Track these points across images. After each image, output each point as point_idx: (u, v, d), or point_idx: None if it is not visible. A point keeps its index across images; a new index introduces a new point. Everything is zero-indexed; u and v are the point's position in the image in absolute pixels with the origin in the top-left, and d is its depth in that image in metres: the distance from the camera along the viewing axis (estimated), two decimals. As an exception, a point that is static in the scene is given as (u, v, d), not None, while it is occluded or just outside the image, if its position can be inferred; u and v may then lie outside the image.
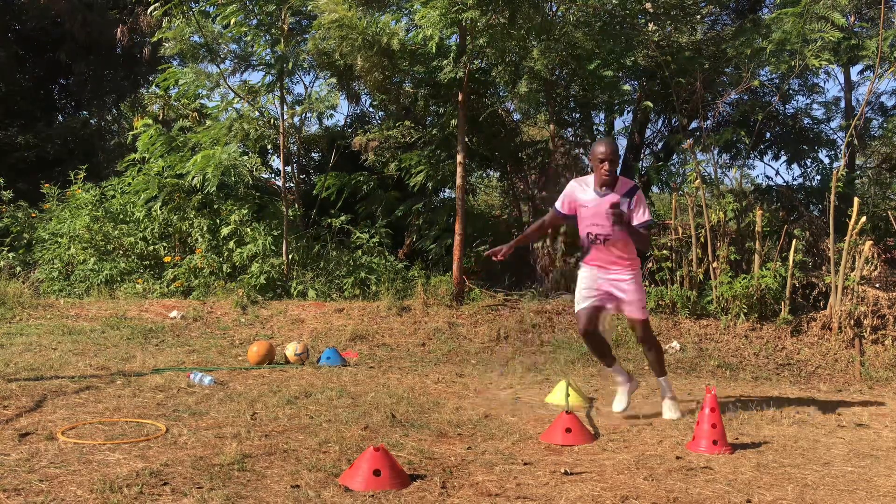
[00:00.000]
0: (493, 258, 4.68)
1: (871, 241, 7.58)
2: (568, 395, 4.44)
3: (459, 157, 8.55)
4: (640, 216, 4.39)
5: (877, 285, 7.62)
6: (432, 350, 7.14)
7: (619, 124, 11.05)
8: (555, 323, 7.97)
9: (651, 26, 9.40)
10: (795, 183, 10.47)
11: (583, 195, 4.50)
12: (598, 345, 4.62)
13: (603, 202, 4.36)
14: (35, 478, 3.00)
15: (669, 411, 4.56)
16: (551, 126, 9.61)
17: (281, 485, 3.04)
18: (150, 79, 15.04)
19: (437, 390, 5.29)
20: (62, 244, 9.73)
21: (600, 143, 4.42)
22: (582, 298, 4.54)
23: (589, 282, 4.56)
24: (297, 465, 3.31)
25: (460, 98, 8.55)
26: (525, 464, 3.47)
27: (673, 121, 10.86)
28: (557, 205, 4.63)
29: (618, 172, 4.46)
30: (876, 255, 7.64)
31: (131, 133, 10.74)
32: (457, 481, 3.17)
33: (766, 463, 3.60)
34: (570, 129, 10.51)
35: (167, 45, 9.38)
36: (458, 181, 8.59)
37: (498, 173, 11.80)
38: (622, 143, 11.21)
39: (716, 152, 9.81)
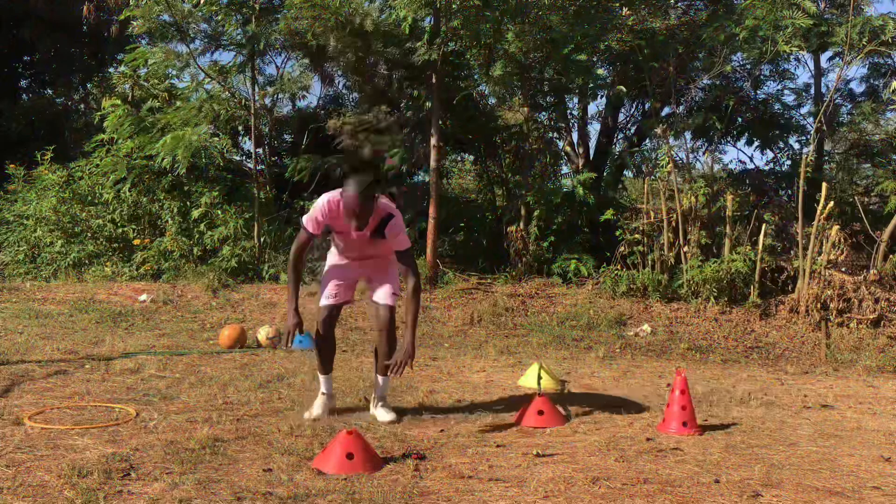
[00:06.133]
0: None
1: (838, 226, 7.71)
2: (540, 377, 4.45)
3: (433, 140, 8.51)
4: (401, 243, 3.81)
5: (843, 269, 7.76)
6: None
7: (592, 108, 11.09)
8: (528, 306, 8.00)
9: (625, 10, 9.40)
10: (766, 168, 10.60)
11: (339, 224, 3.78)
12: (329, 349, 4.05)
13: (361, 235, 3.75)
14: (1, 463, 2.95)
15: (385, 414, 3.93)
16: (525, 109, 9.60)
17: (253, 468, 3.02)
18: (118, 58, 14.71)
19: (411, 373, 5.29)
20: (28, 226, 9.54)
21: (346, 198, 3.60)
22: (329, 294, 3.97)
23: (342, 271, 4.01)
24: (269, 448, 3.30)
25: (434, 80, 8.50)
26: (498, 446, 3.49)
27: (646, 105, 10.91)
28: (310, 227, 3.77)
29: (372, 209, 3.63)
30: (843, 240, 7.77)
31: (99, 113, 10.51)
32: (430, 464, 3.17)
33: (734, 444, 3.66)
34: (544, 113, 10.51)
35: (135, 23, 9.18)
36: (433, 164, 8.56)
37: (472, 157, 11.78)
38: (595, 127, 11.24)
39: (688, 137, 9.88)
